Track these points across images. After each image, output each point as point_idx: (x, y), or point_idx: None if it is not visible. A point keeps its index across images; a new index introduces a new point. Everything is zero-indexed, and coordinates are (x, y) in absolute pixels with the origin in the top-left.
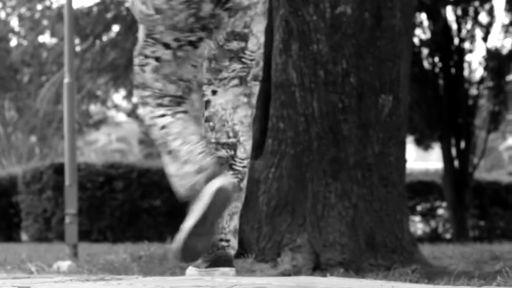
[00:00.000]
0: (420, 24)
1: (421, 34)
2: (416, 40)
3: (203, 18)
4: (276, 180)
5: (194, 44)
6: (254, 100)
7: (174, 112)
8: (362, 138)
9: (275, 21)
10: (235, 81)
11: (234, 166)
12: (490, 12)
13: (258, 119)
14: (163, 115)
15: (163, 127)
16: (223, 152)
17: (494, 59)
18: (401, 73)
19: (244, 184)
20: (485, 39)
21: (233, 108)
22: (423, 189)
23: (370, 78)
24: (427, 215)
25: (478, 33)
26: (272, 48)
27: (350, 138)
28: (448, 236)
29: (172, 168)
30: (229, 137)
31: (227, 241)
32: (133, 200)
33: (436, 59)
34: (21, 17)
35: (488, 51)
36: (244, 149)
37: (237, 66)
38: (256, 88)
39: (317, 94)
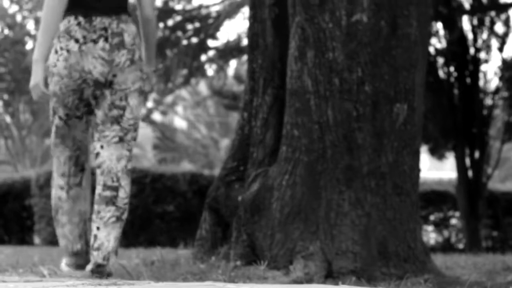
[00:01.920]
0: (436, 33)
1: (437, 43)
2: (431, 49)
3: (85, 99)
4: (289, 187)
5: (80, 117)
6: (132, 154)
7: (69, 187)
8: (376, 146)
9: (291, 28)
10: (116, 139)
11: (116, 204)
12: (506, 23)
13: (273, 126)
14: (62, 188)
15: (59, 198)
16: (107, 193)
17: (510, 69)
18: (416, 82)
19: (125, 216)
20: (501, 49)
21: (116, 159)
22: (436, 198)
23: (385, 86)
24: (440, 224)
25: (494, 43)
26: (287, 55)
27: (364, 146)
28: (461, 246)
29: (57, 230)
30: (113, 181)
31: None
32: (146, 205)
33: (452, 68)
34: (37, 20)
35: (504, 61)
36: (125, 191)
37: (116, 128)
38: (133, 145)
39: (332, 102)
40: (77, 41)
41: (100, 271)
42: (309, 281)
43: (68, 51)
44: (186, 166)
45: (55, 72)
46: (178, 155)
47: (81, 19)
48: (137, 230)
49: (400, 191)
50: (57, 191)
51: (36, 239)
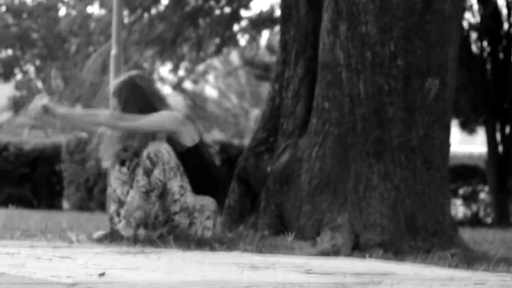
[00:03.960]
0: (470, 8)
1: (471, 18)
2: (465, 24)
3: None
4: (319, 159)
5: None
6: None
7: None
8: (407, 121)
9: (324, 1)
10: None
11: None
12: None
13: (303, 98)
14: None
15: None
16: None
17: None
18: (448, 57)
19: None
20: None
21: None
22: (466, 172)
23: (417, 61)
24: (469, 198)
25: None
26: (320, 28)
27: (395, 120)
28: (489, 220)
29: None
30: None
31: None
32: None
33: (485, 43)
34: None
35: None
36: None
37: None
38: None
39: (364, 76)
40: None
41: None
42: (336, 252)
43: None
44: (216, 135)
45: None
46: (208, 124)
47: None
48: None
49: (430, 166)
50: None
51: (65, 204)
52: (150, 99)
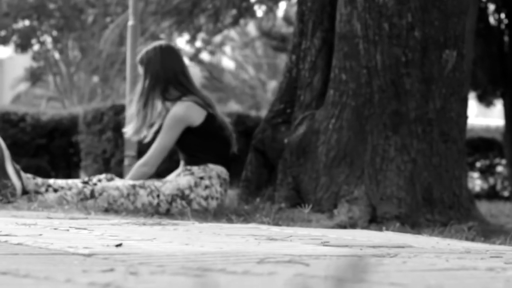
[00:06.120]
0: None
1: None
2: None
3: None
4: (336, 131)
5: None
6: None
7: None
8: (424, 92)
9: None
10: None
11: None
12: None
13: (321, 70)
14: None
15: None
16: None
17: None
18: (466, 29)
19: None
20: None
21: None
22: (483, 145)
23: (434, 32)
24: (486, 172)
25: None
26: None
27: (412, 92)
28: (506, 193)
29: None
30: None
31: None
32: None
33: (502, 15)
34: None
35: None
36: None
37: None
38: None
39: (381, 47)
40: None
41: None
42: (353, 225)
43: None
44: (233, 107)
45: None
46: (225, 96)
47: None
48: None
49: (447, 138)
50: None
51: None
52: (182, 70)
